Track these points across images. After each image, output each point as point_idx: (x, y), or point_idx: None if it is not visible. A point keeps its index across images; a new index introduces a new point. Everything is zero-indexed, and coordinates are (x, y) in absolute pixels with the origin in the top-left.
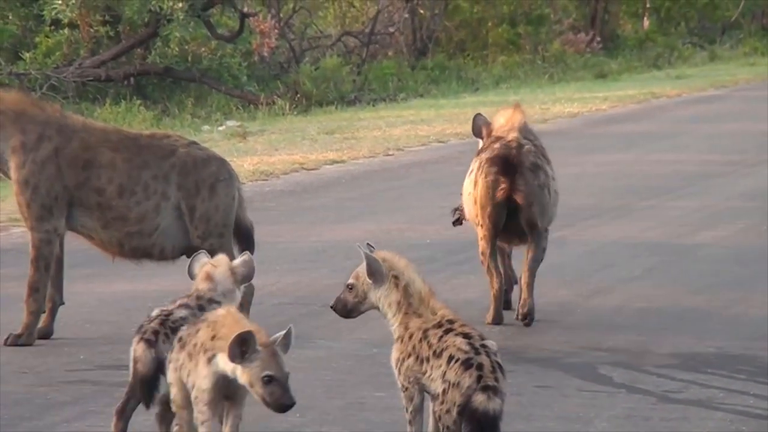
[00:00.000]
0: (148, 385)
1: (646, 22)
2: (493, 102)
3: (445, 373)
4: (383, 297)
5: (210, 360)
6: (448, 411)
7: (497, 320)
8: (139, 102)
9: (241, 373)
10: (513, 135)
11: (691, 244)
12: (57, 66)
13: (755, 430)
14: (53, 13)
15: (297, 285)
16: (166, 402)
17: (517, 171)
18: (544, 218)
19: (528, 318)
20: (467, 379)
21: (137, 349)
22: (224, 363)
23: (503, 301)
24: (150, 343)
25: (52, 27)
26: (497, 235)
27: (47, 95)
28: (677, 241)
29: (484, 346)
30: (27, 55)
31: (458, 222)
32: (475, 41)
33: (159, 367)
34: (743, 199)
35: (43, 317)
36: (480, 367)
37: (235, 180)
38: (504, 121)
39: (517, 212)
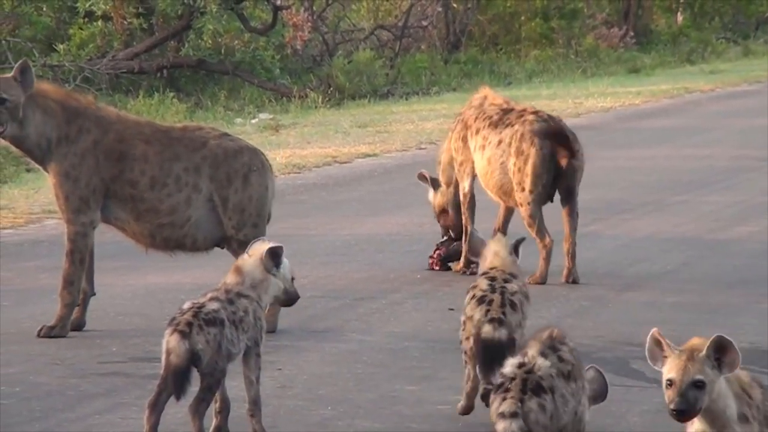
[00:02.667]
0: (180, 377)
1: (680, 17)
2: (525, 96)
3: (466, 308)
4: None
5: None
6: (467, 338)
7: (544, 280)
8: (172, 94)
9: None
10: (527, 107)
11: (724, 239)
12: (90, 58)
13: None
14: (87, 5)
15: (329, 278)
16: (199, 395)
17: (570, 140)
18: (579, 185)
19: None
20: (478, 313)
21: (171, 340)
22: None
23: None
24: (184, 335)
25: (86, 19)
26: (546, 200)
27: (81, 87)
28: (710, 236)
29: (503, 287)
30: (61, 47)
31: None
32: (508, 35)
33: (192, 359)
34: None
35: (76, 309)
36: (490, 302)
37: (269, 170)
38: (490, 97)
39: (562, 178)
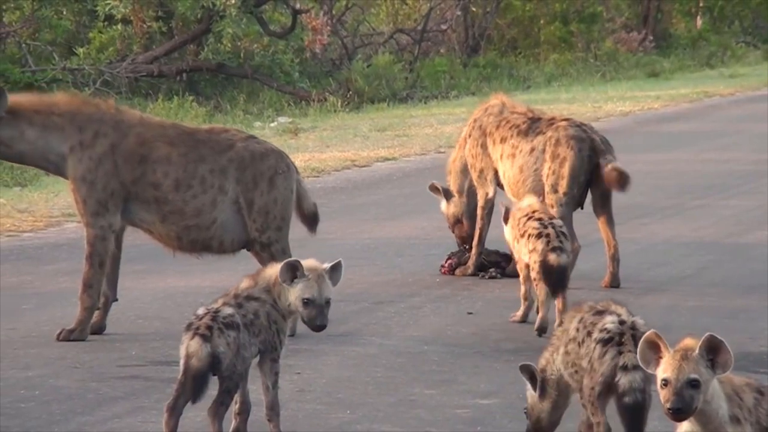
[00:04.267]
0: (200, 381)
1: (699, 21)
2: (544, 100)
3: (528, 244)
4: None
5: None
6: (534, 266)
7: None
8: (191, 98)
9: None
10: (555, 115)
11: (743, 244)
12: (110, 61)
13: None
14: (107, 9)
15: (348, 282)
16: (218, 398)
17: (607, 147)
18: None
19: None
20: (540, 245)
21: (192, 344)
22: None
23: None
24: (205, 338)
25: (106, 22)
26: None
27: (100, 90)
28: (730, 240)
29: (551, 222)
30: (80, 51)
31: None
32: (527, 39)
33: (213, 363)
34: None
35: (96, 313)
36: (547, 235)
37: (294, 172)
38: (508, 104)
39: (597, 183)
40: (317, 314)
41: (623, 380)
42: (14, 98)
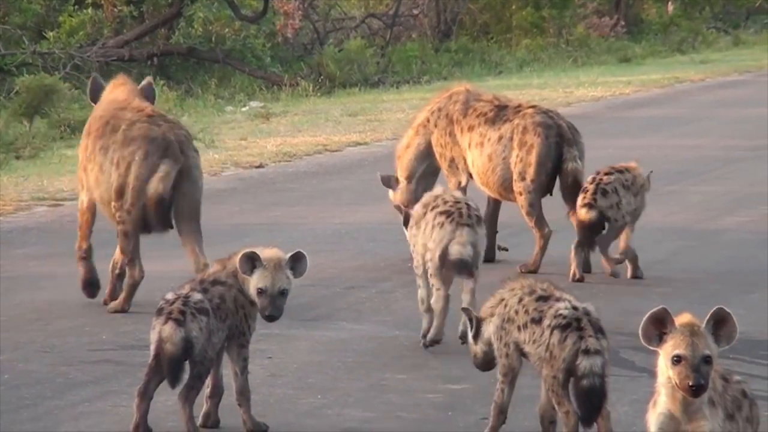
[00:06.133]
0: (176, 365)
1: (671, 7)
2: (516, 85)
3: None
4: None
5: None
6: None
7: (536, 269)
8: (162, 82)
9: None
10: (521, 101)
11: (714, 229)
12: (80, 45)
13: None
14: None
15: (319, 267)
16: (189, 382)
17: (574, 133)
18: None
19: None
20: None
21: (166, 329)
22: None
23: None
24: (179, 323)
25: (76, 6)
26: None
27: (71, 75)
28: (700, 226)
29: (600, 179)
30: (50, 35)
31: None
32: (499, 24)
33: (186, 347)
34: (766, 184)
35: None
36: (585, 190)
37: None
38: (473, 92)
39: (565, 171)
40: (268, 304)
41: (584, 363)
42: None
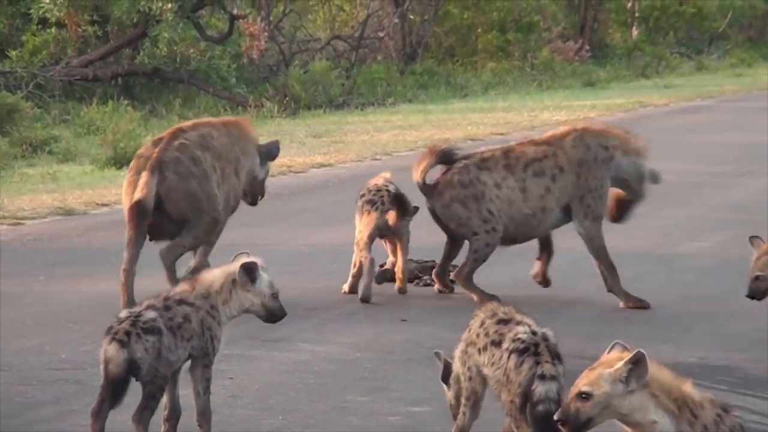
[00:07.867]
0: (118, 386)
1: (635, 32)
2: (482, 108)
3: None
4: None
5: None
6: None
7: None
8: (126, 102)
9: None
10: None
11: (674, 254)
12: (44, 65)
13: None
14: (41, 12)
15: (282, 288)
16: (142, 403)
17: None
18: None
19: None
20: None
21: (109, 349)
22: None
23: None
24: (122, 344)
25: (40, 26)
26: None
27: (33, 93)
28: (660, 251)
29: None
30: (13, 53)
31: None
32: (464, 47)
33: (130, 368)
34: (727, 210)
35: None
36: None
37: None
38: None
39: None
40: (280, 305)
41: (539, 389)
42: None
